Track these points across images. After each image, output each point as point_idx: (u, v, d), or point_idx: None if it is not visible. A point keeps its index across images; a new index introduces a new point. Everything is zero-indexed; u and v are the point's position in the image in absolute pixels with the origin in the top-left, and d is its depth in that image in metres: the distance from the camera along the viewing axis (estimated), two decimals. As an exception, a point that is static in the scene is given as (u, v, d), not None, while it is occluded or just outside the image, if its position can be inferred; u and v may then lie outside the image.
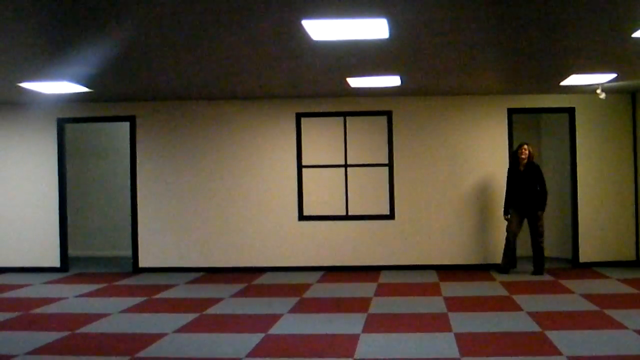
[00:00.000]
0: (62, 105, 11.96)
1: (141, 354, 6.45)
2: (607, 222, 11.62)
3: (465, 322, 7.53)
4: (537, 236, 10.98)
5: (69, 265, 12.22)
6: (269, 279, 10.92)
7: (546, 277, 10.51)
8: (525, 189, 11.04)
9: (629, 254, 11.61)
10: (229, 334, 7.22)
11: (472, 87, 10.67)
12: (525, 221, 12.97)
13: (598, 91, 10.64)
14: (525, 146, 11.07)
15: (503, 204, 11.45)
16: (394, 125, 11.70)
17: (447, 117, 11.68)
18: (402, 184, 11.67)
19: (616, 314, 7.76)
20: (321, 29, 6.35)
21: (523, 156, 11.04)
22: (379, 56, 7.87)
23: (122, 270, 12.04)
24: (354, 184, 11.70)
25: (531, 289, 9.53)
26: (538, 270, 10.96)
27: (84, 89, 10.01)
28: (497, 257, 11.58)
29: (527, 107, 11.65)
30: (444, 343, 6.65)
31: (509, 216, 11.16)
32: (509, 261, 11.15)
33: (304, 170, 11.77)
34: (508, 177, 11.20)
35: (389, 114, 11.70)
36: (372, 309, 8.37)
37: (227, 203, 11.81)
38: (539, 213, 11.01)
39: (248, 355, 6.33)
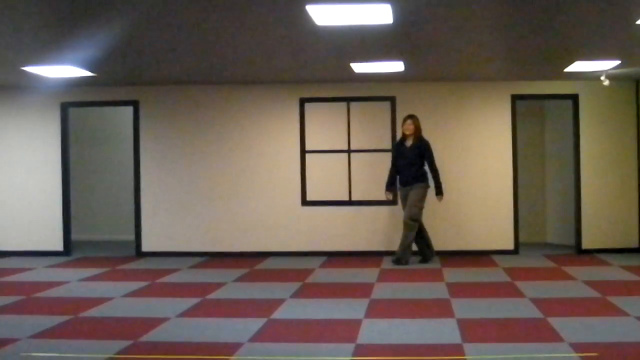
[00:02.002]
0: (66, 90, 11.96)
1: (144, 338, 6.46)
2: (609, 209, 11.61)
3: (468, 308, 7.54)
4: (408, 214, 10.62)
5: (72, 249, 12.25)
6: (271, 263, 10.94)
7: (547, 264, 10.50)
8: (410, 166, 10.68)
9: (632, 241, 11.61)
10: (231, 318, 7.23)
11: (475, 73, 10.64)
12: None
13: (602, 78, 10.62)
14: (409, 120, 10.71)
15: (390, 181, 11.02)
16: (397, 111, 11.69)
17: (451, 103, 11.66)
18: (405, 170, 11.65)
19: (618, 301, 7.77)
20: (325, 14, 6.34)
21: (408, 132, 10.71)
22: (382, 42, 7.86)
23: (125, 255, 12.06)
24: (357, 170, 11.70)
25: (534, 276, 9.53)
26: (397, 258, 10.71)
27: (88, 73, 10.01)
28: (502, 243, 11.58)
29: (531, 93, 11.62)
30: (447, 329, 6.66)
31: (391, 196, 11.01)
32: (423, 250, 10.91)
33: (307, 155, 11.76)
34: (393, 152, 10.92)
35: (392, 100, 11.69)
36: (375, 295, 8.38)
37: (230, 188, 11.82)
38: (438, 197, 10.69)
39: (250, 340, 6.34)
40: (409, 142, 10.75)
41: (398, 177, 10.91)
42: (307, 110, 11.75)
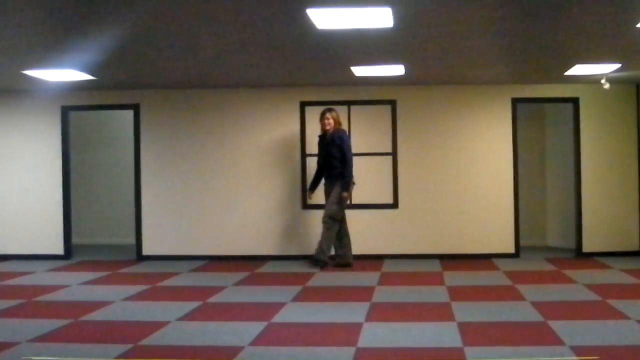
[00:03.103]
0: (67, 93, 11.96)
1: (144, 341, 6.46)
2: (610, 213, 11.60)
3: (469, 312, 7.53)
4: (327, 212, 10.51)
5: (72, 252, 12.24)
6: (272, 267, 10.93)
7: (548, 267, 10.50)
8: (332, 161, 10.55)
9: (632, 244, 11.60)
10: (232, 322, 7.23)
11: (476, 77, 10.65)
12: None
13: (602, 81, 10.62)
14: (328, 114, 10.59)
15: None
16: (398, 115, 11.69)
17: (451, 107, 11.66)
18: (406, 173, 11.66)
19: (619, 304, 7.77)
20: (326, 18, 6.35)
21: (328, 127, 10.61)
22: (383, 45, 7.87)
23: (125, 258, 12.05)
24: (358, 173, 11.69)
25: (534, 279, 9.53)
26: (314, 260, 10.65)
27: (89, 77, 10.01)
28: (503, 246, 11.57)
29: (531, 97, 11.63)
30: (447, 332, 6.66)
31: (311, 195, 10.91)
32: (343, 253, 10.80)
33: (307, 158, 11.76)
34: (318, 150, 10.81)
35: (393, 103, 11.69)
36: (375, 298, 8.38)
37: (231, 191, 11.81)
38: (344, 194, 10.45)
39: (251, 344, 6.34)
40: (328, 137, 10.64)
41: (324, 174, 10.79)
42: (308, 114, 11.75)
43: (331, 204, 10.53)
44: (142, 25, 6.63)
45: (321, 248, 10.63)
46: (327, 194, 10.78)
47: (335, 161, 10.55)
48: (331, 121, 10.62)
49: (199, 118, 11.86)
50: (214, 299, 8.48)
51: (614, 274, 9.85)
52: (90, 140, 14.28)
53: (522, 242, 12.73)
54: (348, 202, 10.82)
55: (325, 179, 10.85)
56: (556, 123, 12.63)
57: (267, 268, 10.86)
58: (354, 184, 10.79)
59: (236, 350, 6.14)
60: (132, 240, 13.63)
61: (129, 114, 13.98)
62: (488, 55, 8.60)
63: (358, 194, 11.66)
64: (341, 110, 11.65)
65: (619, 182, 11.60)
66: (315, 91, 11.72)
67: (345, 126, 11.53)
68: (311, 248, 11.61)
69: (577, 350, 5.93)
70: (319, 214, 11.61)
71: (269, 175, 11.78)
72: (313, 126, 11.66)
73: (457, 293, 8.64)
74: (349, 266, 10.76)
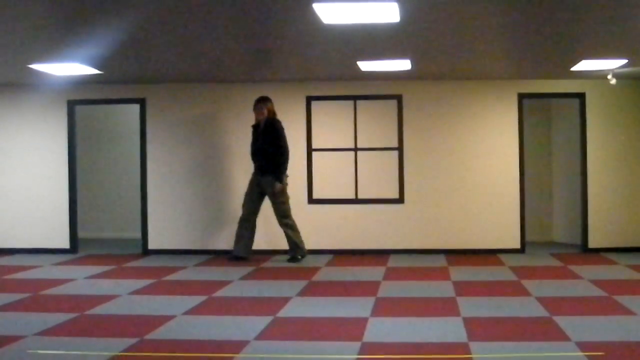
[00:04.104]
0: (73, 87, 11.97)
1: (150, 335, 6.47)
2: (616, 208, 11.59)
3: (474, 307, 7.53)
4: (278, 215, 10.53)
5: (78, 246, 12.26)
6: (277, 261, 10.94)
7: (554, 263, 10.49)
8: (263, 152, 10.44)
9: (639, 240, 11.59)
10: (237, 316, 7.24)
11: (482, 72, 10.63)
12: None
13: (609, 77, 10.60)
14: (262, 104, 10.47)
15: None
16: (404, 109, 11.68)
17: (458, 102, 11.65)
18: (412, 168, 11.66)
19: (625, 300, 7.76)
20: (332, 13, 6.34)
21: (260, 117, 10.53)
22: (389, 40, 7.86)
23: (131, 252, 12.07)
24: (364, 168, 11.69)
25: (540, 274, 9.52)
26: (292, 257, 10.77)
27: (95, 71, 10.02)
28: (508, 242, 11.57)
29: (537, 92, 11.61)
30: (453, 327, 6.66)
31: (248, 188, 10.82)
32: (242, 246, 10.82)
33: (313, 153, 11.76)
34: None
35: (399, 98, 11.68)
36: (381, 293, 8.38)
37: (237, 186, 11.81)
38: (277, 187, 10.37)
39: (257, 338, 6.34)
40: (262, 127, 10.60)
41: (256, 165, 10.76)
42: (314, 109, 11.75)
43: (277, 204, 10.57)
44: (149, 19, 6.63)
45: (294, 246, 10.74)
46: (256, 183, 10.73)
47: (268, 152, 10.49)
48: (265, 111, 10.55)
49: (205, 112, 11.87)
50: (219, 293, 8.49)
51: (620, 270, 9.83)
52: (96, 135, 14.29)
53: (528, 238, 12.74)
54: (289, 194, 10.79)
55: (255, 170, 10.76)
56: (562, 118, 12.61)
57: (273, 262, 10.86)
58: (287, 176, 10.72)
59: (242, 344, 6.14)
60: (138, 234, 13.66)
61: (135, 108, 14.01)
62: (494, 50, 8.58)
63: (364, 189, 11.66)
64: (347, 105, 11.65)
65: (625, 178, 11.58)
66: (322, 86, 11.71)
67: (352, 122, 11.53)
68: (317, 242, 11.63)
69: (583, 346, 5.92)
70: (325, 209, 11.62)
71: (275, 170, 11.77)
72: (319, 121, 11.66)
73: (463, 288, 8.64)
74: (245, 259, 10.88)
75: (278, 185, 10.48)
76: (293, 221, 10.75)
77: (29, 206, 12.09)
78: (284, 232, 10.77)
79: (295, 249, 10.78)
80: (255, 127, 10.76)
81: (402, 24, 6.94)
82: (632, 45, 8.20)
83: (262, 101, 10.60)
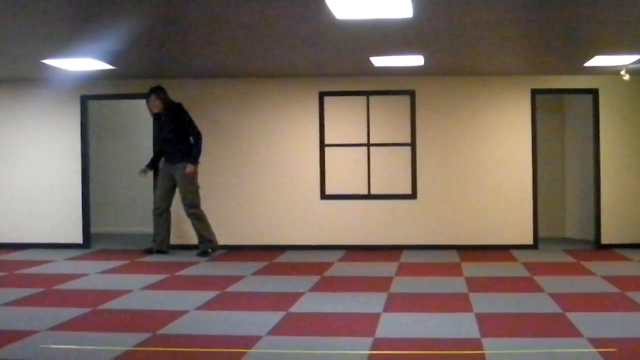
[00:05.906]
0: (86, 83, 12.00)
1: (162, 330, 6.49)
2: (629, 204, 11.55)
3: (486, 303, 7.53)
4: (185, 204, 10.40)
5: (91, 241, 12.30)
6: (290, 257, 10.95)
7: (566, 259, 10.46)
8: (171, 141, 10.33)
9: (652, 237, 11.57)
10: (250, 311, 7.25)
11: (495, 67, 10.61)
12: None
13: (622, 72, 10.56)
14: (153, 96, 10.40)
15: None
16: (416, 105, 11.67)
17: (470, 97, 11.63)
18: (425, 164, 11.65)
19: (637, 296, 7.73)
20: (345, 8, 6.33)
21: (155, 110, 10.47)
22: (402, 35, 7.85)
23: (144, 247, 12.08)
24: (377, 163, 11.69)
25: (553, 271, 9.50)
26: (202, 251, 10.73)
27: (108, 66, 10.04)
28: (521, 238, 11.55)
29: (550, 88, 11.58)
30: (465, 323, 6.66)
31: (145, 175, 10.74)
32: (160, 240, 10.83)
33: (326, 149, 11.76)
34: (154, 133, 10.58)
35: (412, 94, 11.67)
36: (393, 289, 8.38)
37: (250, 181, 11.83)
38: (190, 169, 10.26)
39: (269, 333, 6.35)
40: (163, 116, 10.56)
41: (165, 155, 10.71)
42: (327, 104, 11.75)
43: (185, 193, 10.48)
44: (162, 14, 6.64)
45: (203, 239, 10.73)
46: (166, 175, 10.71)
47: (179, 139, 10.44)
48: (157, 102, 10.51)
49: (218, 108, 11.88)
50: (232, 288, 8.51)
51: (633, 266, 9.80)
52: (109, 130, 14.33)
53: (541, 234, 12.72)
54: (199, 184, 10.75)
55: (166, 160, 10.71)
56: (575, 114, 12.57)
57: (286, 258, 10.88)
58: (199, 163, 10.72)
59: (254, 339, 6.15)
60: (150, 229, 13.68)
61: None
62: (507, 45, 8.56)
63: (377, 185, 11.66)
64: (360, 101, 11.64)
65: (638, 174, 11.54)
66: (335, 81, 11.71)
67: (364, 117, 11.52)
68: (330, 237, 11.64)
69: (595, 342, 5.91)
70: (338, 204, 11.62)
71: (288, 165, 11.78)
72: (332, 116, 11.66)
73: (475, 284, 8.63)
74: (164, 253, 10.95)
75: (190, 167, 10.41)
76: (202, 212, 10.68)
77: (42, 201, 12.13)
78: (191, 223, 10.70)
79: (205, 242, 10.73)
80: (157, 118, 10.72)
81: (415, 20, 6.93)
82: (646, 40, 8.18)
83: (154, 92, 10.55)
